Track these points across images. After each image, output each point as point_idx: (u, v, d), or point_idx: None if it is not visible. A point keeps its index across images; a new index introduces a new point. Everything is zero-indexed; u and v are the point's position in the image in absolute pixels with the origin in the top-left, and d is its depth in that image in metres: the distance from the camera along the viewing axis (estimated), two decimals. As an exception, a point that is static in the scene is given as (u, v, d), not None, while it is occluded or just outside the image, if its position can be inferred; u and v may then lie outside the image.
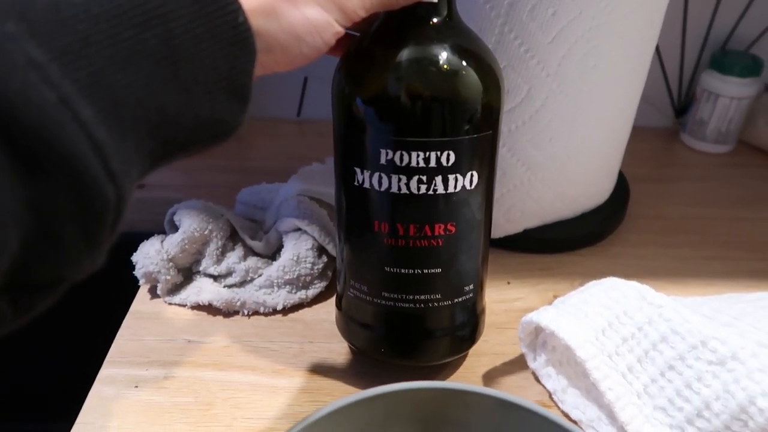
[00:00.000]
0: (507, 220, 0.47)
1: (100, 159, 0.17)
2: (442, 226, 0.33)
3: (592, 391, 0.35)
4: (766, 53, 0.63)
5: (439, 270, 0.34)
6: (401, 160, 0.31)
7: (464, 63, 0.31)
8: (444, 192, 0.32)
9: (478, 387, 0.28)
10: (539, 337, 0.37)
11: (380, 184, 0.32)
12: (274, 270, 0.43)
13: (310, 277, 0.44)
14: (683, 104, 0.68)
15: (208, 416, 0.36)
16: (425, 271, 0.34)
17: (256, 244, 0.46)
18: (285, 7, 0.25)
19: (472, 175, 0.32)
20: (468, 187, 0.32)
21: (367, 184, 0.32)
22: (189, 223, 0.44)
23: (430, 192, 0.32)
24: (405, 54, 0.30)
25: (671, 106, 0.68)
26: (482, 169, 0.33)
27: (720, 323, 0.34)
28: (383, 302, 0.35)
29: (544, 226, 0.49)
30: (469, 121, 0.31)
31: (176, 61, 0.20)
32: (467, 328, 0.38)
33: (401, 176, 0.31)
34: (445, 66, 0.31)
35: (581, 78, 0.42)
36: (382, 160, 0.31)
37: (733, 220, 0.55)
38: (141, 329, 0.42)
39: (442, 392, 0.28)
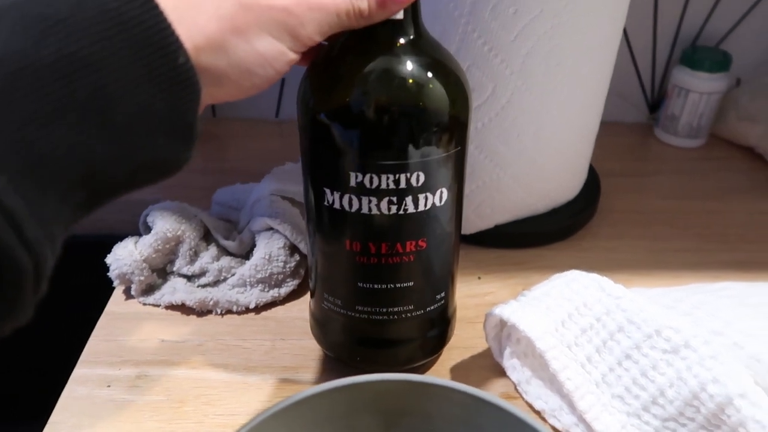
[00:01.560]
0: (478, 216, 0.48)
1: (12, 228, 0.17)
2: (414, 243, 0.33)
3: (554, 382, 0.35)
4: (736, 49, 0.64)
5: (411, 283, 0.34)
6: (371, 182, 0.31)
7: (432, 83, 0.30)
8: (415, 211, 0.32)
9: (438, 378, 0.29)
10: (504, 330, 0.38)
11: (350, 205, 0.32)
12: (246, 269, 0.44)
13: (282, 276, 0.44)
14: (656, 100, 0.69)
15: (179, 413, 0.37)
16: (397, 285, 0.34)
17: (229, 244, 0.47)
18: (234, 42, 0.24)
19: (442, 192, 0.32)
20: (438, 204, 0.32)
21: (337, 205, 0.32)
22: (161, 224, 0.44)
23: (401, 212, 0.32)
24: (371, 75, 0.30)
25: (645, 102, 0.69)
26: (452, 185, 0.33)
27: (679, 313, 0.34)
28: (357, 315, 0.35)
29: (516, 221, 0.50)
30: (438, 141, 0.31)
31: (108, 110, 0.20)
32: (439, 333, 0.38)
33: (371, 198, 0.31)
34: (413, 87, 0.30)
35: (545, 75, 0.42)
36: (352, 183, 0.31)
37: (704, 212, 0.56)
38: (115, 330, 0.42)
39: (403, 384, 0.29)
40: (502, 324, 0.38)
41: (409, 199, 0.31)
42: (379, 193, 0.31)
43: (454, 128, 0.31)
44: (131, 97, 0.20)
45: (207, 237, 0.48)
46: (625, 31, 0.64)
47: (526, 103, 0.43)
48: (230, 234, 0.49)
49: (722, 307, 0.35)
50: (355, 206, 0.32)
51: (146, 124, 0.21)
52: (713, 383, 0.30)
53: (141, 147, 0.21)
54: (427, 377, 0.30)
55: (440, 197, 0.32)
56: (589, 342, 0.34)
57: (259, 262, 0.44)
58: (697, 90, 0.62)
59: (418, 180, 0.31)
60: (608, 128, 0.68)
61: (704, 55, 0.62)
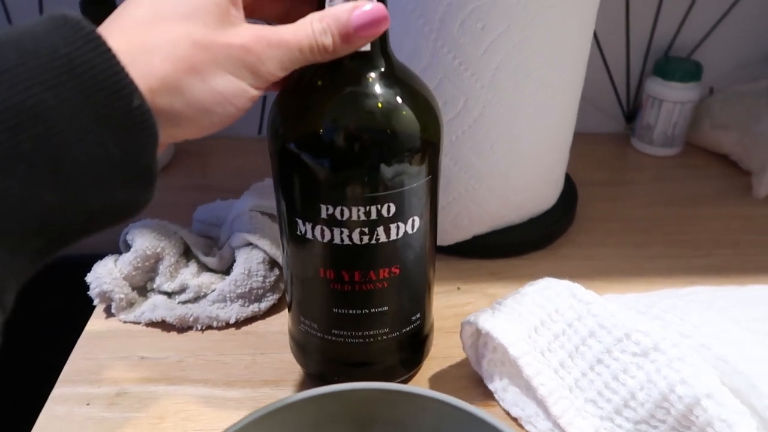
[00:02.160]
0: (455, 228, 0.49)
1: None
2: (387, 270, 0.33)
3: (530, 389, 0.36)
4: (708, 58, 0.66)
5: (386, 308, 0.35)
6: (342, 215, 0.31)
7: (401, 115, 0.30)
8: (387, 240, 0.32)
9: (410, 386, 0.29)
10: (481, 339, 0.38)
11: (323, 236, 0.32)
12: (226, 284, 0.44)
13: (262, 290, 0.45)
14: (632, 110, 0.70)
15: (158, 429, 0.37)
16: (372, 310, 0.35)
17: (209, 260, 0.47)
18: (190, 82, 0.23)
19: (413, 220, 0.32)
20: (410, 232, 0.33)
21: (309, 235, 0.32)
22: (141, 242, 0.44)
23: (373, 241, 0.32)
24: (340, 107, 0.30)
25: (621, 113, 0.70)
26: (424, 212, 0.33)
27: (650, 317, 0.35)
28: (333, 338, 0.36)
29: (493, 231, 0.51)
30: (408, 171, 0.31)
31: (58, 159, 0.19)
32: (416, 351, 0.39)
33: (343, 229, 0.31)
34: (382, 119, 0.30)
35: (515, 88, 0.43)
36: (323, 215, 0.31)
37: (679, 219, 0.57)
38: (95, 348, 0.42)
39: (375, 393, 0.29)
40: (479, 333, 0.38)
41: (380, 229, 0.32)
42: (350, 225, 0.31)
43: (425, 158, 0.31)
44: (82, 144, 0.20)
45: (187, 254, 0.48)
46: (599, 44, 0.66)
47: (498, 116, 0.44)
48: (211, 250, 0.49)
49: (691, 311, 0.36)
50: (327, 237, 0.32)
51: (100, 171, 0.20)
52: (681, 384, 0.30)
53: (96, 194, 0.21)
54: (398, 385, 0.30)
55: (412, 225, 0.33)
56: (562, 347, 0.35)
57: (238, 277, 0.44)
58: (671, 99, 0.63)
59: (389, 211, 0.31)
60: (586, 139, 0.69)
61: (676, 65, 0.63)
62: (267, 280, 0.45)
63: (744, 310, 0.38)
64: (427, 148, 0.32)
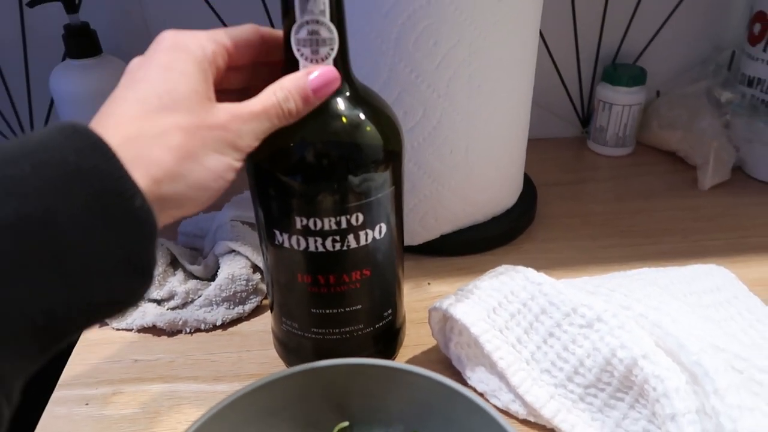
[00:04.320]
0: (423, 228, 0.53)
1: None
2: (358, 272, 0.37)
3: (492, 365, 0.40)
4: (653, 63, 0.71)
5: (359, 306, 0.38)
6: (315, 225, 0.34)
7: (364, 134, 0.34)
8: (357, 246, 0.35)
9: (376, 360, 0.33)
10: (447, 324, 0.42)
11: (298, 245, 0.35)
12: (212, 289, 0.47)
13: (245, 293, 0.48)
14: (587, 115, 0.75)
15: (154, 423, 0.40)
16: (347, 309, 0.38)
17: (195, 269, 0.50)
18: (188, 167, 0.25)
19: (380, 227, 0.36)
20: (378, 237, 0.36)
21: (287, 245, 0.35)
22: (130, 254, 0.48)
23: (344, 248, 0.35)
24: (308, 130, 0.33)
25: (577, 118, 0.75)
26: (389, 219, 0.36)
27: (598, 295, 0.39)
28: (313, 336, 0.39)
29: (459, 230, 0.55)
30: (373, 184, 0.34)
31: (65, 261, 0.20)
32: (390, 343, 0.42)
33: (316, 238, 0.34)
34: (347, 139, 0.33)
35: (469, 97, 0.48)
36: (298, 226, 0.34)
37: (631, 212, 0.61)
38: (90, 354, 0.45)
39: (346, 368, 0.33)
40: (445, 318, 0.42)
41: (350, 237, 0.35)
42: (323, 234, 0.34)
43: (388, 170, 0.35)
44: (88, 246, 0.21)
45: (174, 264, 0.51)
46: (551, 56, 0.71)
47: (454, 123, 0.48)
48: (196, 260, 0.52)
49: (634, 288, 0.40)
50: (303, 245, 0.35)
51: (103, 269, 0.22)
52: (621, 349, 0.34)
53: (98, 291, 0.22)
54: (362, 360, 0.34)
55: (379, 231, 0.36)
56: (518, 325, 0.38)
57: (223, 282, 0.47)
58: (619, 103, 0.68)
59: (357, 220, 0.34)
60: (546, 143, 0.74)
61: (623, 71, 0.68)
62: (250, 284, 0.48)
63: (683, 286, 0.42)
64: (390, 159, 0.35)
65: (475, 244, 0.55)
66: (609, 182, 0.67)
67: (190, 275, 0.51)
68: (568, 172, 0.69)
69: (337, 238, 0.35)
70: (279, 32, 0.32)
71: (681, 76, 0.73)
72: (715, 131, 0.64)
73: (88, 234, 0.21)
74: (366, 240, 0.36)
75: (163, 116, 0.25)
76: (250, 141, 0.28)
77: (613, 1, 0.68)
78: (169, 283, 0.49)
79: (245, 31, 0.31)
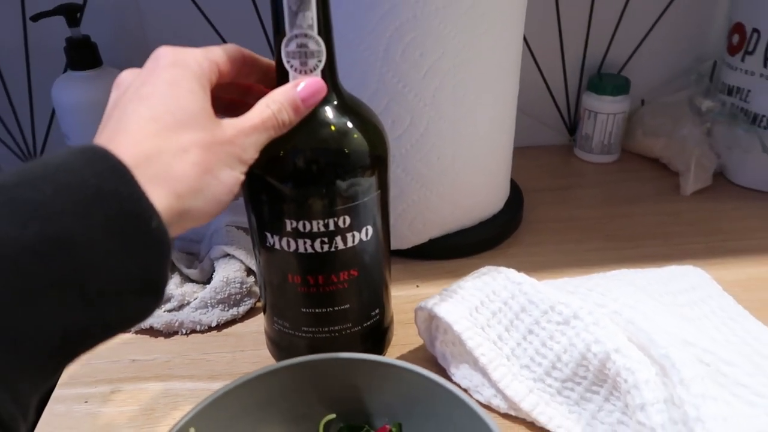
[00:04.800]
0: (412, 232, 0.55)
1: None
2: (346, 273, 0.38)
3: (476, 362, 0.41)
4: (638, 73, 0.73)
5: (348, 305, 0.40)
6: (304, 227, 0.36)
7: (351, 140, 0.35)
8: (344, 247, 0.37)
9: (361, 354, 0.35)
10: (433, 323, 0.44)
11: (288, 246, 0.37)
12: (207, 292, 0.49)
13: (240, 296, 0.50)
14: (573, 123, 0.77)
15: (151, 419, 0.41)
16: (336, 308, 0.40)
17: (191, 272, 0.52)
18: (208, 181, 0.27)
19: (367, 229, 0.38)
20: (364, 239, 0.38)
21: (277, 246, 0.37)
22: (128, 258, 0.49)
23: (332, 249, 0.37)
24: (298, 137, 0.34)
25: (564, 126, 0.77)
26: (376, 221, 0.38)
27: (575, 294, 0.41)
28: (303, 335, 0.41)
29: (447, 234, 0.56)
30: (359, 188, 0.36)
31: (83, 283, 0.21)
32: (378, 341, 0.44)
33: (306, 240, 0.36)
34: (335, 145, 0.35)
35: (454, 105, 0.50)
36: (288, 228, 0.36)
37: (614, 217, 0.63)
38: (89, 354, 0.46)
39: (331, 362, 0.34)
40: (431, 318, 0.44)
41: (338, 239, 0.37)
42: (312, 236, 0.36)
43: (374, 175, 0.37)
44: (106, 265, 0.22)
45: (171, 268, 0.53)
46: (539, 67, 0.73)
47: (441, 130, 0.50)
48: (192, 264, 0.54)
49: (612, 287, 0.42)
50: (293, 247, 0.37)
51: (119, 287, 0.22)
52: (595, 344, 0.36)
53: (114, 308, 0.22)
54: (346, 354, 0.35)
55: (366, 233, 0.38)
56: (499, 323, 0.40)
57: (218, 284, 0.49)
58: (604, 111, 0.70)
59: (345, 222, 0.36)
60: (534, 151, 0.77)
61: (607, 81, 0.70)
62: (244, 287, 0.50)
63: (659, 286, 0.44)
64: (376, 165, 0.37)
65: (463, 248, 0.57)
66: (594, 188, 0.69)
67: (187, 279, 0.52)
68: (555, 179, 0.71)
69: (326, 239, 0.37)
70: (259, 56, 0.34)
71: (664, 85, 0.75)
72: (697, 139, 0.66)
73: (106, 256, 0.22)
74: (353, 242, 0.37)
75: (180, 133, 0.26)
76: (253, 153, 0.30)
77: (598, 14, 0.71)
78: (167, 286, 0.50)
79: (232, 50, 0.32)
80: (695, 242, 0.58)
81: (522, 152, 0.72)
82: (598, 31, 0.72)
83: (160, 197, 0.24)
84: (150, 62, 0.29)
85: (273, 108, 0.30)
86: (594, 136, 0.72)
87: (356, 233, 0.37)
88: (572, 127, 0.78)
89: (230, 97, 0.35)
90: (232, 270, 0.50)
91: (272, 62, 0.35)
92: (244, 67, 0.33)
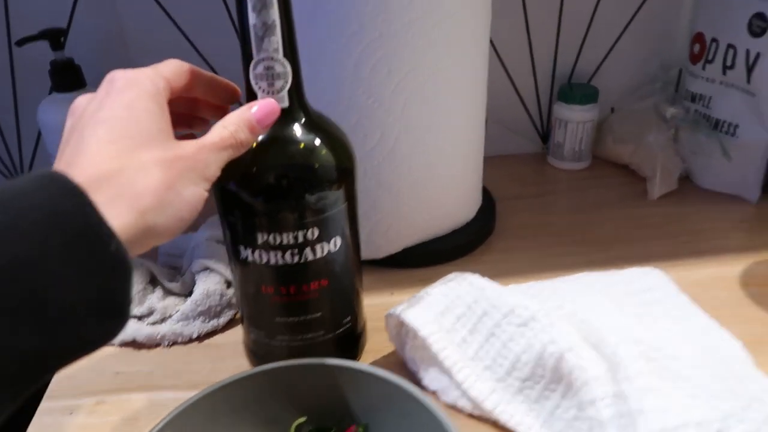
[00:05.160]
0: (386, 242, 0.57)
1: None
2: (317, 282, 0.40)
3: (441, 365, 0.43)
4: (606, 82, 0.76)
5: (319, 314, 0.42)
6: (275, 240, 0.38)
7: (318, 155, 0.38)
8: (314, 258, 0.39)
9: (331, 359, 0.36)
10: (403, 329, 0.46)
11: (261, 258, 0.39)
12: (188, 305, 0.51)
13: (220, 308, 0.52)
14: (546, 132, 0.80)
15: (134, 428, 0.43)
16: (308, 316, 0.41)
17: (173, 286, 0.54)
18: (170, 197, 0.27)
19: (336, 240, 0.39)
20: (333, 250, 0.40)
21: (250, 259, 0.39)
22: (111, 273, 0.51)
23: (302, 260, 0.39)
24: (268, 153, 0.37)
25: (538, 135, 0.80)
26: (344, 232, 0.40)
27: (535, 297, 0.43)
28: (278, 343, 0.43)
29: (421, 243, 0.58)
30: (327, 201, 0.38)
31: (41, 307, 0.21)
32: (350, 347, 0.46)
33: (277, 252, 0.38)
34: (302, 160, 0.38)
35: (423, 119, 0.52)
36: (259, 241, 0.38)
37: (584, 222, 0.65)
38: (74, 368, 0.49)
39: (302, 368, 0.36)
40: (401, 324, 0.46)
41: (308, 250, 0.39)
42: (282, 248, 0.38)
43: (341, 189, 0.39)
44: (64, 291, 0.22)
45: (153, 282, 0.55)
46: (511, 77, 0.76)
47: (411, 143, 0.52)
48: (174, 277, 0.56)
49: (572, 290, 0.44)
50: (265, 259, 0.39)
51: (78, 313, 0.22)
52: (551, 343, 0.38)
53: (73, 334, 0.22)
54: (324, 359, 0.37)
55: (335, 244, 0.40)
56: (463, 326, 0.42)
57: (199, 297, 0.51)
58: (574, 120, 0.72)
59: (313, 234, 0.38)
60: (509, 159, 0.79)
61: (576, 90, 0.73)
62: (223, 299, 0.52)
63: (618, 287, 0.46)
64: (342, 179, 0.39)
65: (436, 256, 0.59)
66: (566, 195, 0.71)
67: (169, 292, 0.54)
68: (529, 186, 0.73)
69: (296, 251, 0.39)
70: (200, 69, 0.35)
71: (632, 93, 0.77)
72: (662, 145, 0.69)
73: (63, 280, 0.22)
74: (322, 252, 0.40)
75: (140, 152, 0.27)
76: (216, 169, 0.30)
77: (566, 25, 0.73)
78: (149, 300, 0.52)
79: (177, 65, 0.33)
80: (660, 245, 0.60)
81: (496, 161, 0.75)
82: (567, 41, 0.74)
83: (122, 214, 0.25)
84: (104, 86, 0.30)
85: (231, 129, 0.32)
86: (565, 144, 0.74)
87: (325, 244, 0.39)
88: (545, 135, 0.80)
89: (181, 111, 0.36)
90: (212, 283, 0.52)
91: (213, 75, 0.36)
92: (189, 81, 0.34)
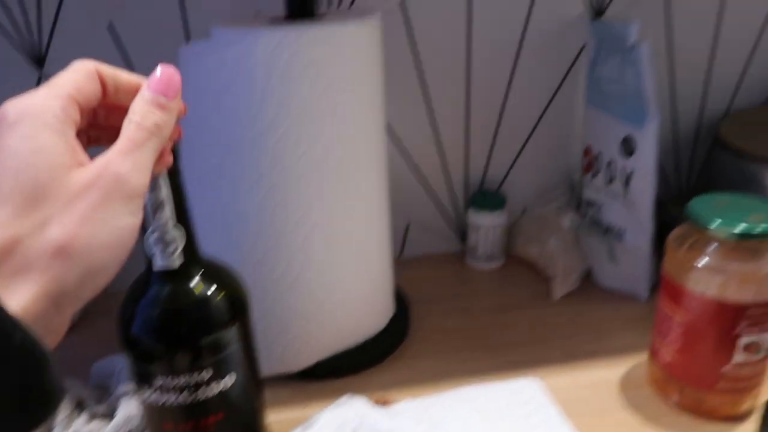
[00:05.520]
0: (298, 359, 0.61)
1: None
2: (213, 417, 0.45)
3: (334, 485, 0.48)
4: (516, 187, 0.84)
5: None
6: (171, 381, 0.42)
7: (210, 305, 0.42)
8: (209, 396, 0.43)
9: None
10: (300, 451, 0.50)
11: (159, 399, 0.43)
12: (109, 429, 0.55)
13: None
14: (464, 234, 0.86)
15: None
16: None
17: (99, 408, 0.58)
18: (80, 248, 0.24)
19: (230, 376, 0.44)
20: (228, 385, 0.44)
21: (150, 399, 0.43)
22: (39, 403, 0.55)
23: (199, 399, 0.43)
24: (162, 305, 0.42)
25: (457, 237, 0.86)
26: (239, 369, 0.44)
27: (411, 420, 0.48)
28: None
29: (333, 355, 0.63)
30: (219, 345, 0.42)
31: None
32: None
33: (173, 393, 0.42)
34: (194, 311, 0.42)
35: (323, 249, 0.58)
36: (157, 384, 0.42)
37: (493, 325, 0.70)
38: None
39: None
40: (299, 446, 0.50)
41: (203, 389, 0.43)
42: (179, 389, 0.43)
43: (234, 329, 0.43)
44: None
45: (82, 404, 0.59)
46: (431, 188, 0.83)
47: (315, 270, 0.58)
48: (103, 398, 0.60)
49: (451, 407, 0.49)
50: (163, 399, 0.43)
51: None
52: (417, 469, 0.43)
53: None
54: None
55: (230, 380, 0.44)
56: (347, 451, 0.47)
57: (119, 422, 0.55)
58: (484, 225, 0.79)
59: (208, 374, 0.43)
60: (430, 259, 0.85)
61: (486, 198, 0.80)
62: (143, 424, 0.56)
63: (498, 402, 0.51)
64: (236, 319, 0.44)
65: (349, 368, 0.63)
66: (480, 296, 0.77)
67: (96, 415, 0.58)
68: (444, 287, 0.79)
69: (192, 390, 0.43)
70: (119, 71, 0.31)
71: (540, 197, 0.85)
72: (563, 247, 0.75)
73: None
74: (217, 389, 0.44)
75: (37, 208, 0.24)
76: (138, 179, 0.27)
77: (474, 137, 0.81)
78: (75, 425, 0.56)
79: (81, 72, 0.29)
80: (553, 347, 0.66)
81: (415, 263, 0.81)
82: (476, 150, 0.82)
83: (29, 288, 0.23)
84: None
85: (136, 119, 0.28)
86: (479, 246, 0.81)
87: (220, 381, 0.44)
88: (463, 236, 0.87)
89: (115, 123, 0.31)
90: (133, 407, 0.56)
91: (135, 79, 0.32)
92: (108, 85, 0.30)
